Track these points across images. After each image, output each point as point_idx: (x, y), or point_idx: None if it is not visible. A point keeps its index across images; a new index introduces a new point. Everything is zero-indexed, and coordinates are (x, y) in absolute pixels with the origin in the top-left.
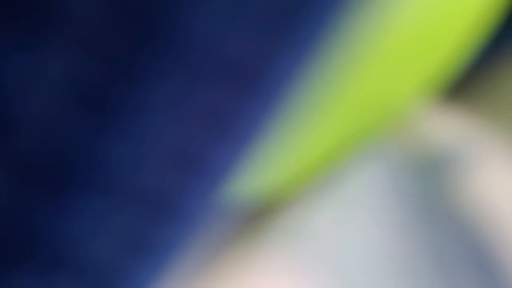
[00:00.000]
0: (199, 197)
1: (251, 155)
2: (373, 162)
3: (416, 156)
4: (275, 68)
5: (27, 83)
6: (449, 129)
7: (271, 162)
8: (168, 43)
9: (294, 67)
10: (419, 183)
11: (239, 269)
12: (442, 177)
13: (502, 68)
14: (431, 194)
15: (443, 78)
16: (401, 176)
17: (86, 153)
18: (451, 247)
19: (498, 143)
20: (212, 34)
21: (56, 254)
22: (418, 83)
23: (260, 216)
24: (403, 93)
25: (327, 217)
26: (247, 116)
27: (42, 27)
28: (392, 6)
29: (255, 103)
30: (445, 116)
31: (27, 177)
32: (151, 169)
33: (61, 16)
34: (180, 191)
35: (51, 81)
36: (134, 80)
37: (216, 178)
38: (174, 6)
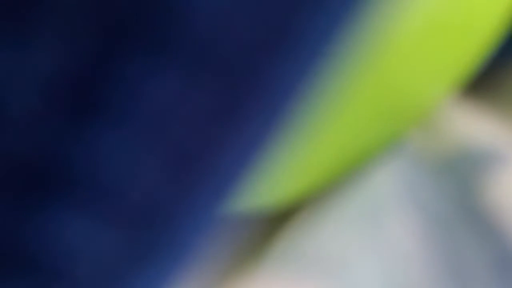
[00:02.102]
0: (202, 209)
1: (259, 162)
2: (393, 161)
3: (439, 155)
4: (285, 67)
5: (11, 80)
6: (473, 127)
7: (282, 171)
8: (164, 39)
9: (307, 66)
10: (442, 183)
11: (243, 284)
12: (466, 176)
13: None
14: (453, 195)
15: (467, 74)
16: (422, 176)
17: (72, 155)
18: (474, 255)
19: None
20: (213, 34)
21: (49, 268)
22: (446, 82)
23: (268, 230)
24: (428, 95)
25: (339, 229)
26: (255, 121)
27: (26, 22)
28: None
29: (263, 106)
30: (468, 113)
31: (10, 181)
32: (149, 177)
33: (47, 11)
34: (180, 202)
35: (37, 78)
36: (126, 78)
37: (220, 188)
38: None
